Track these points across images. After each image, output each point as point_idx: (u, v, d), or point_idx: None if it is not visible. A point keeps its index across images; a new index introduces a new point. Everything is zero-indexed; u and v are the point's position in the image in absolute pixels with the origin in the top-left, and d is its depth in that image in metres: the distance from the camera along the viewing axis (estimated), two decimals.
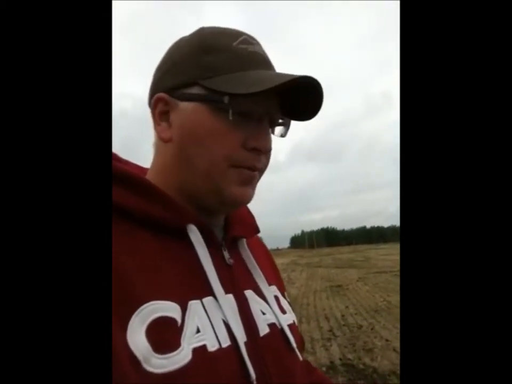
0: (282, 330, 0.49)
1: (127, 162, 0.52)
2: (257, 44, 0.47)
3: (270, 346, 0.45)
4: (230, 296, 0.44)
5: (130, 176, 0.43)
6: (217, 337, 0.40)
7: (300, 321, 5.61)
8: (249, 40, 0.47)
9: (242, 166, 0.45)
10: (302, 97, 0.46)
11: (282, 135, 0.50)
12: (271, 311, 0.49)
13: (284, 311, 0.52)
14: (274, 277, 0.58)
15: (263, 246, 0.64)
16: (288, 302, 0.56)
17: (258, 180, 0.48)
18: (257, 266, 0.52)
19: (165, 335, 0.36)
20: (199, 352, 0.37)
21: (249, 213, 0.59)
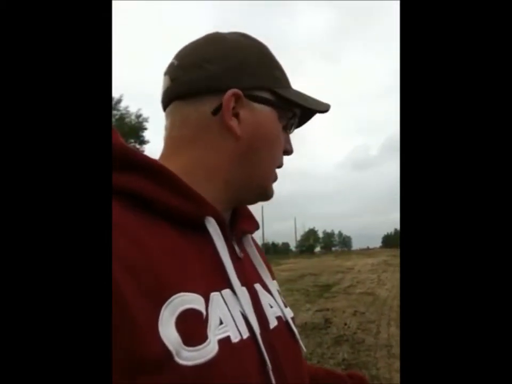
0: (287, 323, 0.51)
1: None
2: None
3: (279, 338, 0.47)
4: (244, 289, 0.46)
5: (152, 164, 0.41)
6: (238, 328, 0.41)
7: (388, 324, 5.34)
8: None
9: (279, 167, 0.53)
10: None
11: None
12: (277, 304, 0.51)
13: (285, 305, 0.54)
14: (272, 274, 0.59)
15: (257, 243, 0.65)
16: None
17: None
18: (262, 261, 0.54)
19: (192, 327, 0.36)
20: (224, 343, 0.38)
21: (249, 209, 0.60)
